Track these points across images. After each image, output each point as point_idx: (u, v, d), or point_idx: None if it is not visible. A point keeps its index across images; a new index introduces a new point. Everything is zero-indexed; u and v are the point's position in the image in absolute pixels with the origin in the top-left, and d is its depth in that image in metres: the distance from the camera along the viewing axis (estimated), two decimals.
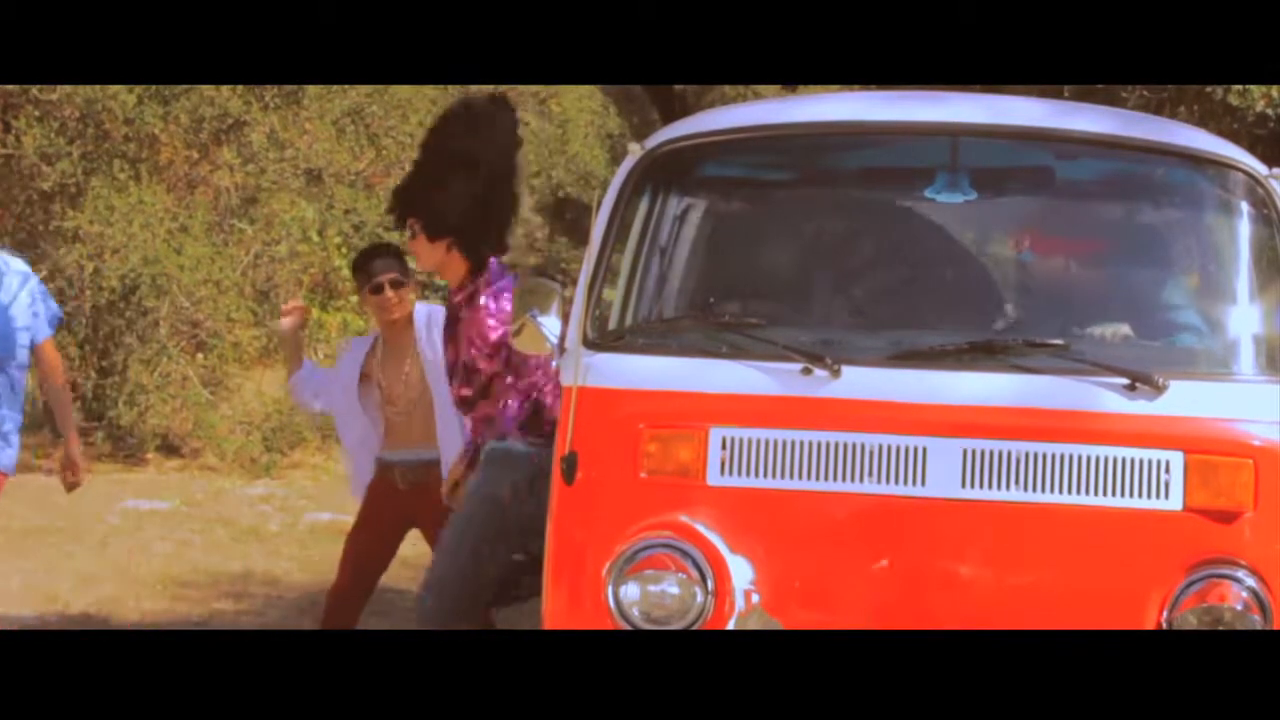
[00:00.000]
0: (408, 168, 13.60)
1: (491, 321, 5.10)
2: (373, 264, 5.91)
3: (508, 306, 4.93)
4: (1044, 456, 3.80)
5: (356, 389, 5.95)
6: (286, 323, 6.08)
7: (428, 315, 5.81)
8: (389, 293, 5.82)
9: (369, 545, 5.90)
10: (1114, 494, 3.79)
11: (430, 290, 12.88)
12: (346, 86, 12.03)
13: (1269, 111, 10.31)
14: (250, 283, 12.05)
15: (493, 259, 5.22)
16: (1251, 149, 4.45)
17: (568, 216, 23.04)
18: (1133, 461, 3.79)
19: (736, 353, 3.98)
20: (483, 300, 5.14)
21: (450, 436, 5.70)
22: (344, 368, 6.08)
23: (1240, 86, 10.01)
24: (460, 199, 5.12)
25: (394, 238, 13.93)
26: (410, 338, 5.84)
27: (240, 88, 11.34)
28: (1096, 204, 4.43)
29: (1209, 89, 10.26)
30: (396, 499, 5.83)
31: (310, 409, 6.45)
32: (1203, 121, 9.27)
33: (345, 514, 10.27)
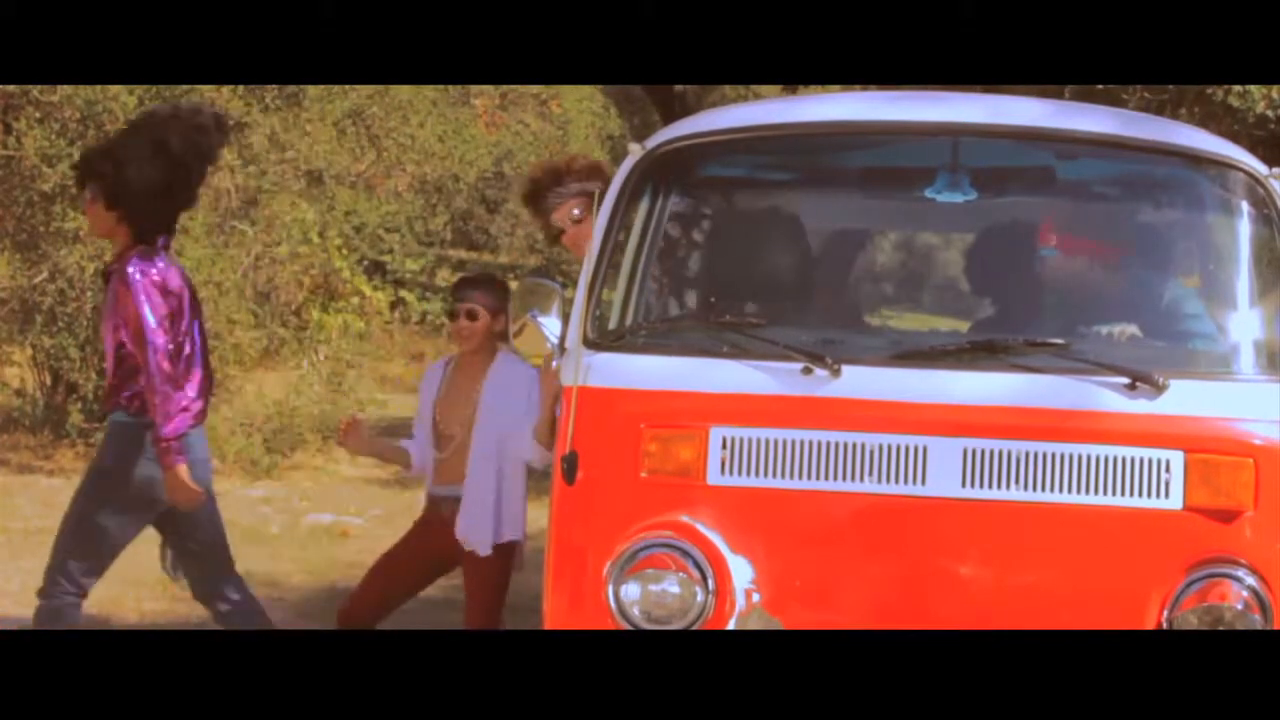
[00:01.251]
0: (409, 169, 13.68)
1: (143, 299, 5.37)
2: (459, 290, 5.88)
3: (143, 281, 5.32)
4: (1044, 456, 3.81)
5: (431, 417, 5.85)
6: (352, 444, 5.94)
7: (503, 371, 5.72)
8: (462, 321, 5.77)
9: (401, 572, 5.86)
10: (1114, 493, 3.79)
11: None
12: (347, 88, 12.02)
13: (1269, 113, 10.30)
14: (251, 284, 12.05)
15: (161, 238, 5.51)
16: (1252, 150, 4.45)
17: None
18: (1133, 461, 3.80)
19: (737, 352, 3.99)
20: (129, 270, 5.40)
21: (479, 483, 5.67)
22: (424, 394, 5.97)
23: (1241, 88, 10.01)
24: (144, 178, 5.45)
25: (394, 240, 13.88)
26: (478, 381, 5.77)
27: (241, 89, 11.33)
28: (1097, 204, 4.43)
29: (1209, 91, 10.26)
30: (446, 533, 5.78)
31: None
32: (1203, 123, 9.27)
33: (346, 516, 10.28)
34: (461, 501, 5.66)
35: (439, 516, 5.77)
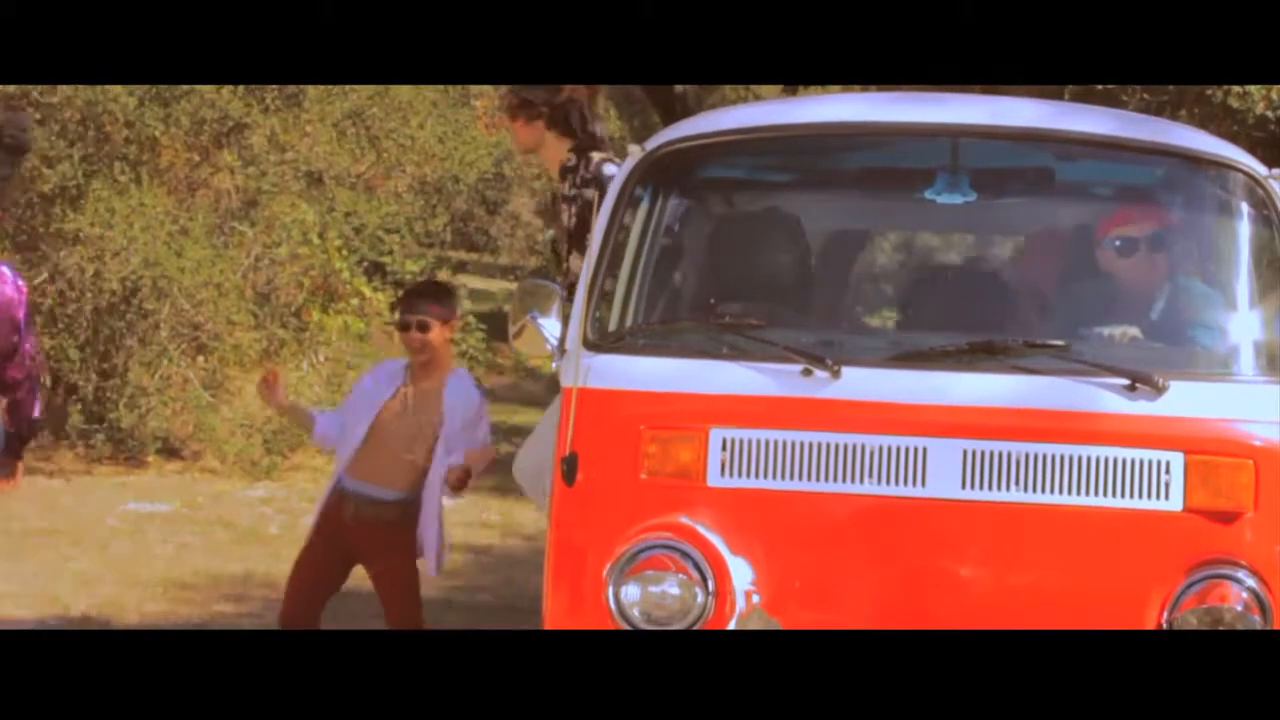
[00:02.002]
0: (409, 170, 13.67)
1: None
2: (410, 301, 5.95)
3: None
4: (1044, 457, 3.80)
5: (374, 416, 5.86)
6: (267, 396, 5.98)
7: (456, 392, 5.79)
8: (413, 333, 5.83)
9: (313, 573, 5.89)
10: (1114, 495, 3.79)
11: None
12: (347, 89, 12.01)
13: (1269, 114, 10.32)
14: (251, 285, 12.04)
15: None
16: (1252, 152, 4.44)
17: None
18: (1133, 462, 3.79)
19: (737, 354, 3.98)
20: None
21: (432, 501, 5.74)
22: (371, 386, 6.00)
23: (1240, 90, 10.02)
24: None
25: (394, 241, 13.91)
26: (433, 393, 5.80)
27: (241, 91, 11.33)
28: (1096, 205, 4.43)
29: (1209, 92, 10.27)
30: (343, 531, 5.80)
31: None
32: (1203, 124, 9.28)
33: None
34: (421, 521, 5.73)
35: (345, 512, 5.82)
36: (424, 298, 5.92)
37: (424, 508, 5.74)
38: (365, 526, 5.74)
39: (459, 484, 5.60)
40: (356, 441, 5.83)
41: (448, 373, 5.87)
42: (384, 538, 5.73)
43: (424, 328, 5.80)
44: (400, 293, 16.08)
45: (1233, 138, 7.01)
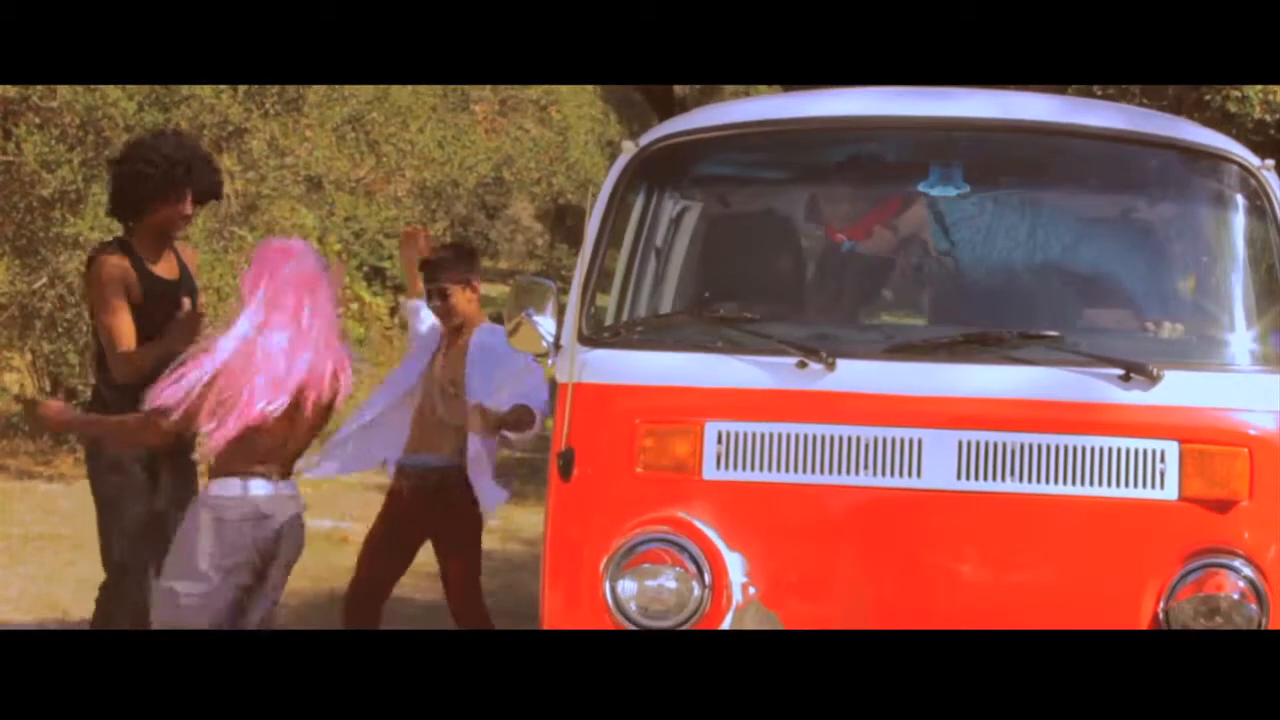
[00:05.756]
0: (408, 174, 13.69)
1: None
2: (428, 274, 5.97)
3: None
4: (1039, 447, 3.80)
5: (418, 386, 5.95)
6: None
7: (482, 344, 5.80)
8: (434, 303, 5.93)
9: (381, 546, 5.93)
10: (1110, 484, 3.79)
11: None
12: (347, 94, 12.02)
13: (1266, 118, 10.32)
14: None
15: None
16: None
17: (568, 223, 23.07)
18: (1128, 451, 3.80)
19: (732, 347, 3.99)
20: None
21: (475, 455, 5.73)
22: (409, 369, 6.07)
23: (1239, 94, 10.03)
24: None
25: (393, 246, 13.90)
26: (463, 353, 5.84)
27: (240, 95, 11.34)
28: (1090, 197, 4.44)
29: (1207, 96, 10.28)
30: (405, 507, 5.86)
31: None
32: None
33: (345, 521, 10.26)
34: (472, 477, 5.71)
35: (401, 488, 5.89)
36: (439, 268, 5.95)
37: (469, 459, 5.74)
38: (420, 496, 5.82)
39: (479, 425, 5.49)
40: (407, 422, 5.92)
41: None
42: (440, 502, 5.79)
43: (444, 295, 5.86)
44: (399, 298, 16.12)
45: None
